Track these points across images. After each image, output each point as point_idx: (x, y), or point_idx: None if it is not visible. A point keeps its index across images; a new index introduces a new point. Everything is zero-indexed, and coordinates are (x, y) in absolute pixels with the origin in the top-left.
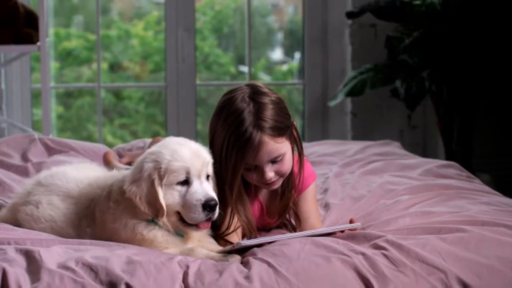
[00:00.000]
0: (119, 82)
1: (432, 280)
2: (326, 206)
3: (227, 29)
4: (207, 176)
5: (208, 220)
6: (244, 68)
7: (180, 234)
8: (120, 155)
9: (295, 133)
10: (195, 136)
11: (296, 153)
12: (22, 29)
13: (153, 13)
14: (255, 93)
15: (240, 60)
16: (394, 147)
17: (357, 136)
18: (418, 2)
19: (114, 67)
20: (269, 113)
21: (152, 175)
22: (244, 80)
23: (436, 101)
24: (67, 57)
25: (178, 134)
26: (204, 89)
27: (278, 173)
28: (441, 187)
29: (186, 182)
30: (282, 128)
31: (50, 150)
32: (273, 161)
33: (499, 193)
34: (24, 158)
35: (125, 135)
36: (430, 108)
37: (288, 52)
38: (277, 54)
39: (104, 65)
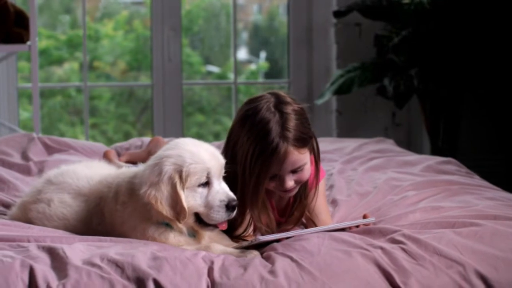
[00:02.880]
0: (91, 81)
1: (451, 273)
2: (334, 202)
3: (197, 29)
4: None
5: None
6: (212, 68)
7: (192, 234)
8: (118, 154)
9: (315, 146)
10: (182, 135)
11: (312, 159)
12: (12, 28)
13: (123, 13)
14: (280, 102)
15: (208, 60)
16: (389, 144)
17: (342, 134)
18: (407, 1)
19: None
20: (294, 123)
21: (174, 178)
22: (214, 79)
23: (423, 99)
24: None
25: (164, 134)
26: None
27: (297, 182)
28: (445, 183)
29: (207, 184)
30: (306, 139)
31: (50, 149)
32: (294, 171)
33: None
34: (25, 157)
35: (96, 135)
36: (414, 105)
37: (253, 52)
38: (242, 53)
39: (76, 65)
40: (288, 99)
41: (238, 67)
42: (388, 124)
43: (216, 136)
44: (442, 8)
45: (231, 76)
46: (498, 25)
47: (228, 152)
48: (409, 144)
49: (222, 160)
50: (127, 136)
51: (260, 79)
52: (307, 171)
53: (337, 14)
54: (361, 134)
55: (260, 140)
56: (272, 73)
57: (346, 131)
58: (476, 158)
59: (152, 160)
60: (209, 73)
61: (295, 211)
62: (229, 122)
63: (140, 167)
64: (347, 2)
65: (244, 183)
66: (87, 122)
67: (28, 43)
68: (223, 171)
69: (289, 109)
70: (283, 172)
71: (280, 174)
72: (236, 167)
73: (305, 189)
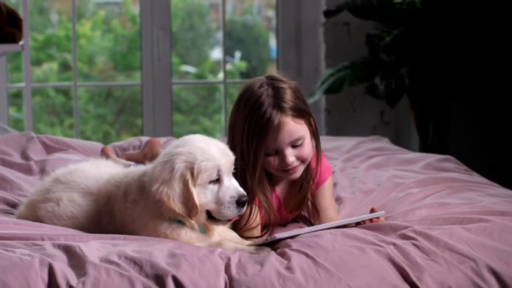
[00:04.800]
0: (69, 81)
1: (463, 268)
2: (338, 200)
3: (175, 28)
4: None
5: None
6: (189, 68)
7: (203, 231)
8: (117, 154)
9: (313, 124)
10: (171, 135)
11: (313, 145)
12: (5, 28)
13: (100, 13)
14: (273, 79)
15: (183, 60)
16: (385, 143)
17: (331, 133)
18: (398, 1)
19: (64, 67)
20: (288, 96)
21: (185, 175)
22: (191, 79)
23: (413, 98)
24: (15, 58)
25: (154, 134)
26: None
27: (299, 158)
28: (447, 180)
29: (217, 180)
30: (301, 111)
31: (49, 148)
32: (294, 145)
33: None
34: (24, 156)
35: (75, 135)
36: (403, 104)
37: (228, 51)
38: (216, 53)
39: (54, 65)
40: (283, 78)
41: (214, 66)
42: (377, 122)
43: None
44: (433, 8)
45: (210, 76)
46: (490, 24)
47: (229, 142)
48: (397, 142)
49: (232, 157)
50: (105, 136)
51: (238, 79)
52: (308, 147)
53: (327, 13)
54: (350, 133)
55: (254, 113)
56: (249, 72)
57: (335, 130)
58: (466, 156)
59: (162, 157)
60: (187, 73)
61: (297, 194)
62: (207, 122)
63: (149, 165)
64: (336, 1)
65: (244, 163)
66: (77, 121)
67: (21, 42)
68: (233, 167)
69: (282, 84)
70: (280, 144)
71: (279, 149)
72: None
73: (307, 173)
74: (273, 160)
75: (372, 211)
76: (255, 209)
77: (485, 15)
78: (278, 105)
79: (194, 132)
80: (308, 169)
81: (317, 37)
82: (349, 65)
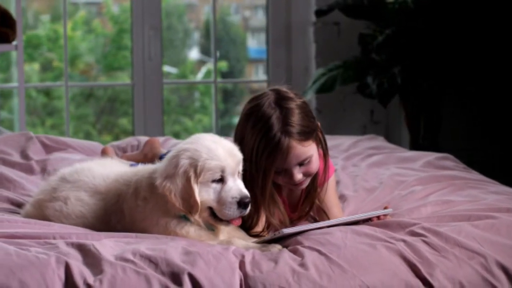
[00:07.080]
0: (50, 82)
1: (473, 264)
2: (342, 198)
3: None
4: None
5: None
6: (169, 69)
7: (211, 229)
8: (116, 155)
9: (320, 134)
10: (162, 135)
11: (320, 152)
12: None
13: (81, 13)
14: (281, 98)
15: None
16: (381, 141)
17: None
18: (390, 0)
19: (45, 67)
20: (295, 118)
21: (188, 172)
22: (173, 79)
23: (405, 97)
24: None
25: (145, 133)
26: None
27: (306, 174)
28: (448, 178)
29: (221, 180)
30: (309, 132)
31: (48, 148)
32: (301, 163)
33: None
34: (24, 156)
35: (56, 135)
36: (392, 103)
37: (206, 51)
38: (194, 53)
39: (36, 66)
40: (290, 95)
41: (192, 67)
42: (367, 121)
43: (176, 136)
44: (426, 7)
45: (190, 76)
46: (481, 23)
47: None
48: (388, 141)
49: (239, 158)
50: (87, 136)
51: (220, 79)
52: (315, 163)
53: (319, 13)
54: (341, 132)
55: (262, 136)
56: (230, 73)
57: (326, 129)
58: (457, 155)
59: (172, 152)
60: (168, 73)
61: (303, 204)
62: (188, 122)
63: (159, 163)
64: (326, 1)
65: (253, 178)
66: (67, 121)
67: (14, 42)
68: (241, 168)
69: (289, 104)
70: (289, 165)
71: (287, 168)
72: (245, 164)
73: (313, 182)
74: (282, 178)
75: (386, 208)
76: (262, 216)
77: (477, 15)
78: (286, 130)
79: (176, 132)
80: (315, 178)
81: (307, 37)
82: (340, 65)
